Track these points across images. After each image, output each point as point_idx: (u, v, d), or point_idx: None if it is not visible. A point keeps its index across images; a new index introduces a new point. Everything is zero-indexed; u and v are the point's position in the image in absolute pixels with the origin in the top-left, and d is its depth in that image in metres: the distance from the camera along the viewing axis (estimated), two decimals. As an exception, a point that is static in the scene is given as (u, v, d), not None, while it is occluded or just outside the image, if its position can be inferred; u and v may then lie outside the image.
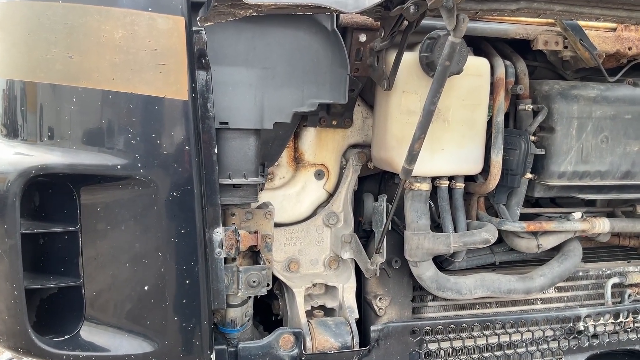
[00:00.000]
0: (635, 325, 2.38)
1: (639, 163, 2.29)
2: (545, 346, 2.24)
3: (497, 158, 2.09)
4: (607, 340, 2.34)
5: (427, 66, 1.93)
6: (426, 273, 2.11)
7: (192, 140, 1.70)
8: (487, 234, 2.10)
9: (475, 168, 2.13)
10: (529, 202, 2.56)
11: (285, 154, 2.24)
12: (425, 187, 2.10)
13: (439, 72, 1.57)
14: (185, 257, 1.72)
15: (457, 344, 2.13)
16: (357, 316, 2.14)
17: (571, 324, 2.26)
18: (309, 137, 2.22)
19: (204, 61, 1.73)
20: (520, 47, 2.26)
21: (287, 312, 2.18)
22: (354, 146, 2.29)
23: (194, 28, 1.70)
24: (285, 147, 2.17)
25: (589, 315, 2.27)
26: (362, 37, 1.99)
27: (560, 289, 2.47)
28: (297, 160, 2.25)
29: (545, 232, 2.25)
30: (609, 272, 2.54)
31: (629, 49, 2.23)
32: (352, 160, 2.22)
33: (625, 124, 2.25)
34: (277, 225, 2.20)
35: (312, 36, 1.93)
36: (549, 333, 2.24)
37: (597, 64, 2.13)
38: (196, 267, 1.74)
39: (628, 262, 2.70)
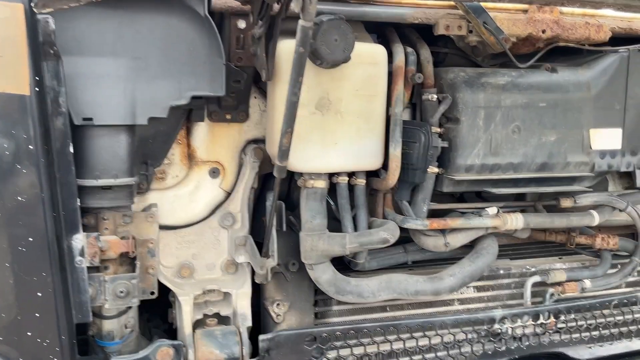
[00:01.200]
0: (559, 326, 2.28)
1: (556, 154, 2.19)
2: (456, 351, 2.14)
3: (395, 152, 1.98)
4: (528, 343, 2.25)
5: (313, 54, 1.82)
6: (323, 276, 2.01)
7: (38, 138, 1.58)
8: (386, 233, 1.99)
9: (374, 163, 2.02)
10: (454, 196, 2.46)
11: (177, 151, 2.12)
12: (321, 184, 1.99)
13: (295, 60, 1.47)
14: (36, 268, 1.61)
15: (358, 350, 2.02)
16: (250, 324, 2.03)
17: (485, 327, 2.16)
18: (201, 132, 2.11)
19: (52, 51, 1.60)
20: (431, 34, 2.14)
21: (179, 322, 2.06)
22: (254, 141, 2.17)
23: (40, 15, 1.57)
24: (171, 144, 2.05)
25: (504, 317, 2.17)
26: (241, 24, 1.87)
27: (479, 289, 2.38)
28: (191, 158, 2.13)
29: (454, 230, 2.15)
30: (533, 269, 2.44)
31: (543, 31, 2.12)
32: (249, 157, 2.11)
33: (540, 112, 2.15)
34: (168, 227, 2.09)
35: (186, 23, 1.82)
36: (461, 336, 2.14)
37: (503, 49, 2.02)
38: (49, 278, 1.62)
39: (560, 258, 2.61)
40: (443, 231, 2.15)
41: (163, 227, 2.07)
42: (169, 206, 2.09)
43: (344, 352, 2.02)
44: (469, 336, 2.16)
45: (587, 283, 2.34)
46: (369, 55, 1.96)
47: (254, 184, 2.16)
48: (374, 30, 2.18)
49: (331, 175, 2.04)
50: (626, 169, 2.32)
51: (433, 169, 2.10)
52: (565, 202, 2.33)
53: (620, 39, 2.30)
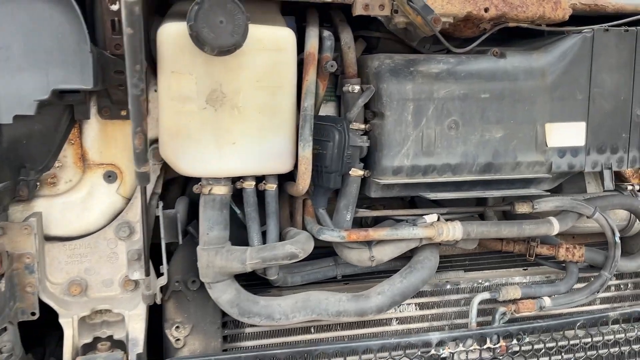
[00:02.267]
0: (514, 351, 2.01)
1: (503, 153, 1.91)
2: (385, 380, 1.89)
3: (303, 153, 1.73)
4: (474, 370, 1.98)
5: (197, 39, 1.57)
6: (223, 296, 1.79)
7: None
8: (293, 247, 1.75)
9: (283, 165, 1.78)
10: (403, 200, 2.21)
11: (70, 153, 1.90)
12: (220, 190, 1.76)
13: (125, 43, 1.22)
14: None
15: (267, 381, 1.79)
16: (141, 350, 1.81)
17: (419, 352, 1.89)
18: (91, 131, 1.89)
19: None
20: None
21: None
22: (155, 141, 1.93)
23: None
24: (55, 145, 1.84)
25: (442, 341, 1.90)
26: (114, 6, 1.63)
27: (422, 306, 2.12)
28: (84, 160, 1.91)
29: (382, 242, 1.89)
30: (487, 284, 2.16)
31: (486, 10, 1.85)
32: (149, 159, 1.87)
33: (482, 104, 1.88)
34: (58, 239, 1.88)
35: (52, 7, 1.59)
36: (391, 364, 1.89)
37: (433, 31, 1.75)
38: None
39: (524, 269, 2.33)
40: (369, 243, 1.89)
41: (52, 239, 1.87)
42: (58, 215, 1.88)
43: (250, 382, 1.78)
44: (401, 363, 1.90)
45: (547, 301, 2.06)
46: (273, 40, 1.71)
47: (157, 189, 1.93)
48: (295, 13, 1.93)
49: (236, 180, 1.80)
50: (592, 169, 2.02)
51: (356, 172, 1.85)
52: (522, 208, 2.06)
53: (585, 18, 2.00)
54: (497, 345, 1.96)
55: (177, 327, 1.88)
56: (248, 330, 1.94)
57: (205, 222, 1.77)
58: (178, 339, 1.88)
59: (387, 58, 1.84)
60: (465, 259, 2.34)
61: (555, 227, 2.02)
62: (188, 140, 1.68)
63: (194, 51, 1.62)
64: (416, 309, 2.12)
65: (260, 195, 1.86)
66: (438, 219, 1.96)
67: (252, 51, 1.68)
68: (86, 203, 1.92)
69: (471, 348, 1.92)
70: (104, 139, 1.90)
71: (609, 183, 2.06)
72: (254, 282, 1.98)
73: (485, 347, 1.94)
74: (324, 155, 1.76)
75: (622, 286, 2.35)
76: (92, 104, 1.85)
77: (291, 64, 1.74)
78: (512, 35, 2.07)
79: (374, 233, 1.84)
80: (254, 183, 1.81)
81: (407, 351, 1.85)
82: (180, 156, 1.70)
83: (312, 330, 2.01)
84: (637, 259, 2.17)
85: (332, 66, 1.76)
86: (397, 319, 2.10)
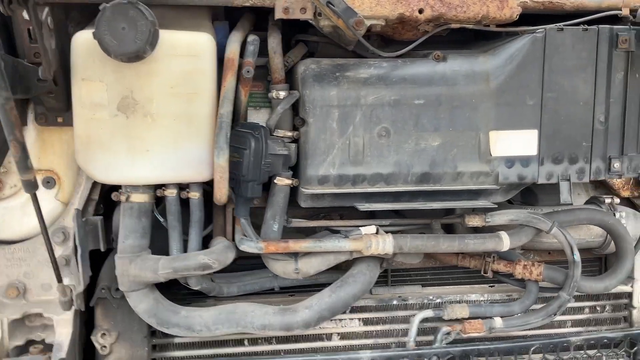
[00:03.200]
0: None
1: (442, 162, 1.82)
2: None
3: (218, 161, 1.71)
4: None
5: (101, 47, 1.58)
6: (140, 305, 1.79)
7: None
8: (207, 257, 1.74)
9: (202, 174, 1.77)
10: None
11: (15, 158, 1.96)
12: (138, 198, 1.77)
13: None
14: None
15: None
16: (64, 356, 1.84)
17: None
18: (29, 137, 1.93)
19: None
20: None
21: (2, 347, 1.92)
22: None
23: None
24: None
25: (374, 361, 1.83)
26: (26, 14, 1.66)
27: (366, 322, 2.04)
28: (25, 166, 1.96)
29: (309, 254, 1.84)
30: (439, 301, 2.06)
31: (420, 11, 1.75)
32: (84, 165, 1.91)
33: (416, 111, 1.79)
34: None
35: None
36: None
37: (354, 35, 1.68)
38: None
39: (491, 286, 2.20)
40: (296, 255, 1.84)
41: (-6, 242, 1.93)
42: (0, 219, 1.95)
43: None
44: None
45: (498, 322, 1.94)
46: (187, 46, 1.70)
47: (93, 196, 1.96)
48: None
49: (159, 188, 1.80)
50: (546, 181, 1.88)
51: (283, 180, 1.81)
52: (473, 221, 1.95)
53: (547, 17, 1.87)
54: (437, 367, 1.86)
55: (104, 334, 1.90)
56: (177, 340, 1.94)
57: (122, 230, 1.78)
58: (104, 346, 1.90)
59: (314, 63, 1.79)
60: (427, 274, 2.24)
61: (505, 242, 1.89)
62: (100, 147, 1.70)
63: (104, 58, 1.63)
64: (360, 325, 2.04)
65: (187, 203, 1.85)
66: (377, 232, 1.88)
67: (165, 57, 1.68)
68: (26, 208, 1.97)
69: (410, 369, 1.84)
70: (41, 145, 1.94)
71: (566, 196, 1.89)
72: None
73: (425, 368, 1.85)
74: (241, 163, 1.73)
75: (598, 308, 2.18)
76: (29, 111, 1.90)
77: (208, 70, 1.72)
78: (479, 38, 1.97)
79: (295, 245, 1.79)
80: (175, 191, 1.81)
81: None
82: (94, 164, 1.72)
83: (246, 342, 1.97)
84: (605, 280, 2.00)
85: (248, 72, 1.72)
86: (338, 334, 2.03)
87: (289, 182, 1.82)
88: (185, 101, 1.71)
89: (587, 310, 2.17)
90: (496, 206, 1.88)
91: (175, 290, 1.95)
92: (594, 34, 1.83)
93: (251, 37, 1.79)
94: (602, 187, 2.31)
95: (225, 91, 1.73)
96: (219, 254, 1.77)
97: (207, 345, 1.96)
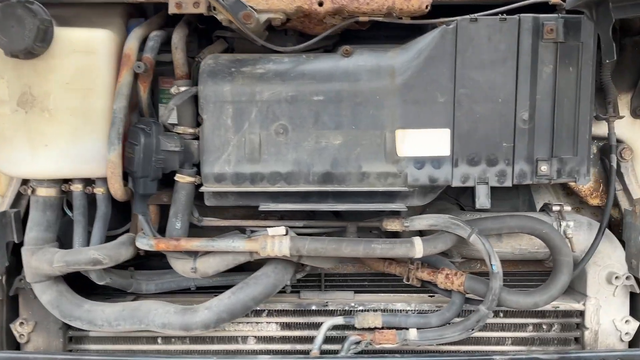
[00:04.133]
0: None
1: (344, 162, 1.75)
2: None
3: (109, 156, 1.73)
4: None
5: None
6: (43, 296, 1.86)
7: None
8: (98, 252, 1.76)
9: (99, 169, 1.80)
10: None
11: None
12: (43, 192, 1.83)
13: None
14: None
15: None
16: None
17: (246, 376, 1.79)
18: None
19: None
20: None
21: None
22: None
23: None
24: None
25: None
26: None
27: (284, 326, 1.99)
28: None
29: (207, 253, 1.82)
30: (361, 309, 1.97)
31: (320, 4, 1.70)
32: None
33: (316, 108, 1.74)
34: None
35: None
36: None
37: (244, 29, 1.66)
38: None
39: (431, 296, 2.08)
40: (195, 254, 1.83)
41: None
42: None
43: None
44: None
45: (412, 333, 1.82)
46: (84, 43, 1.75)
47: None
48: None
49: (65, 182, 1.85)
50: (462, 184, 1.76)
51: (183, 178, 1.81)
52: (391, 225, 1.86)
53: (460, 8, 1.76)
54: (342, 377, 1.78)
55: (22, 323, 1.97)
56: (93, 334, 1.97)
57: (28, 222, 1.84)
58: (22, 335, 1.96)
59: (212, 58, 1.78)
60: (365, 280, 2.16)
61: (417, 249, 1.78)
62: (4, 142, 1.77)
63: (4, 56, 1.69)
64: (278, 329, 1.99)
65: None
66: (286, 233, 1.83)
67: (62, 54, 1.73)
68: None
69: (311, 378, 1.77)
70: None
71: (483, 200, 1.75)
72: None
73: (327, 378, 1.78)
74: (133, 159, 1.74)
75: (544, 326, 1.99)
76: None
77: (103, 65, 1.76)
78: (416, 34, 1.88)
79: (186, 243, 1.77)
80: (80, 186, 1.84)
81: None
82: (0, 158, 1.78)
83: (159, 340, 1.98)
84: (535, 295, 1.82)
85: (138, 67, 1.73)
86: (255, 337, 1.99)
87: (190, 179, 1.81)
88: (81, 97, 1.75)
89: (530, 328, 1.99)
90: (405, 209, 1.78)
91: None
92: (514, 24, 1.69)
93: (153, 33, 1.81)
94: (575, 194, 2.13)
95: (120, 86, 1.75)
96: (110, 249, 1.79)
97: (121, 341, 1.98)
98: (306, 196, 1.81)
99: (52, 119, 1.75)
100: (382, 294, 2.10)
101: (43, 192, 1.84)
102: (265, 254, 1.78)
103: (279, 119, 1.74)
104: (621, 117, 1.99)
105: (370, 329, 1.87)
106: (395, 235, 1.93)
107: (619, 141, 2.04)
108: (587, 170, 1.77)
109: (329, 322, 1.88)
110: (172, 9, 1.73)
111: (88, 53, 1.75)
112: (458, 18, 1.70)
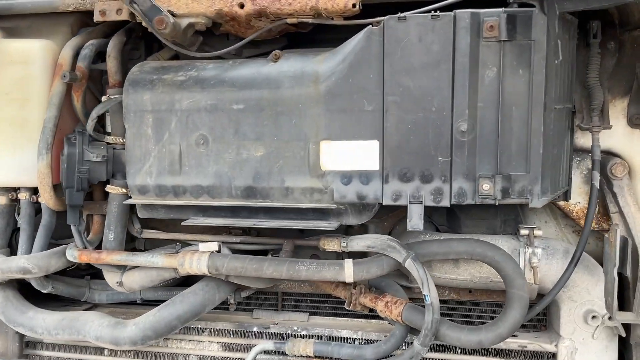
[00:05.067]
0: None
1: (267, 176, 1.64)
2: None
3: (38, 166, 1.75)
4: None
5: None
6: None
7: None
8: (27, 262, 1.78)
9: (37, 178, 1.81)
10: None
11: None
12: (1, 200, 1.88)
13: None
14: None
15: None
16: None
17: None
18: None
19: None
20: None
21: None
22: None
23: None
24: None
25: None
26: None
27: (226, 347, 1.90)
28: None
29: (134, 268, 1.78)
30: (303, 332, 1.84)
31: (241, 6, 1.61)
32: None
33: (236, 117, 1.64)
34: None
35: None
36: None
37: (157, 35, 1.61)
38: None
39: (391, 324, 1.89)
40: (124, 267, 1.79)
41: None
42: None
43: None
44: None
45: (344, 365, 1.66)
46: (20, 54, 1.80)
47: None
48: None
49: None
50: (393, 202, 1.57)
51: (113, 189, 1.78)
52: (329, 245, 1.73)
53: (402, 5, 1.58)
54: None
55: (-17, 325, 2.04)
56: (46, 340, 2.00)
57: (-21, 229, 1.90)
58: (-18, 337, 2.04)
59: (139, 66, 1.75)
60: (325, 302, 2.02)
61: (347, 272, 1.63)
62: (-47, 150, 1.84)
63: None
64: (219, 349, 1.90)
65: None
66: (219, 250, 1.75)
67: (0, 65, 1.76)
68: None
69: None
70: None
71: (416, 221, 1.54)
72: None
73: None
74: (63, 170, 1.74)
75: (510, 365, 1.75)
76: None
77: (40, 76, 1.78)
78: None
79: (107, 257, 1.74)
80: (27, 194, 1.88)
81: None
82: (-52, 165, 1.86)
83: (106, 352, 1.97)
84: (481, 332, 1.58)
85: (64, 76, 1.72)
86: (197, 356, 1.92)
87: (121, 190, 1.78)
88: (18, 106, 1.79)
89: (495, 365, 1.75)
90: (332, 228, 1.63)
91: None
92: (448, 22, 1.49)
93: (88, 42, 1.80)
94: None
95: (51, 96, 1.77)
96: (40, 259, 1.80)
97: (71, 349, 2.01)
98: (236, 211, 1.72)
99: (-8, 128, 1.80)
100: (340, 318, 1.95)
101: (-5, 200, 1.90)
102: (184, 271, 1.70)
103: (199, 129, 1.66)
104: (608, 127, 1.70)
105: (302, 357, 1.74)
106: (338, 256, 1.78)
107: (613, 154, 1.76)
108: (542, 190, 1.51)
109: (258, 347, 1.77)
110: (97, 17, 1.72)
111: (25, 63, 1.79)
112: (385, 17, 1.53)
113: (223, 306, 1.92)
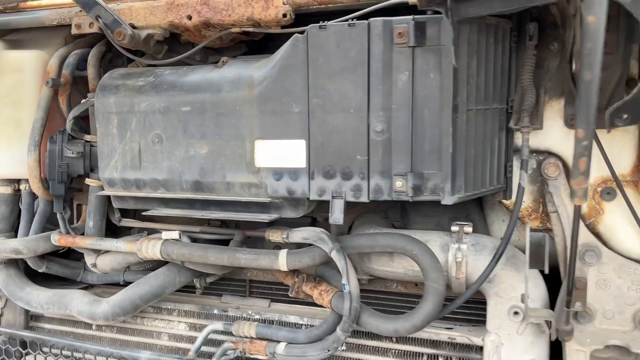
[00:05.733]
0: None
1: (211, 171, 1.81)
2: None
3: (28, 161, 2.01)
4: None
5: (-49, 66, 2.03)
6: None
7: None
8: (19, 244, 2.04)
9: (34, 172, 2.08)
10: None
11: None
12: (6, 190, 2.17)
13: None
14: None
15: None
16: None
17: (132, 367, 1.93)
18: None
19: None
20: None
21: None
22: None
23: None
24: None
25: (153, 362, 1.90)
26: None
27: (192, 327, 2.09)
28: None
29: (106, 251, 2.00)
30: (256, 317, 2.00)
31: (189, 17, 1.79)
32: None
33: (184, 118, 1.83)
34: None
35: None
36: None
37: (115, 45, 1.82)
38: None
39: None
40: (98, 251, 2.02)
41: None
42: None
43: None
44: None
45: (280, 347, 1.81)
46: (15, 62, 2.06)
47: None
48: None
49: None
50: (318, 197, 1.69)
51: (93, 182, 2.01)
52: (274, 237, 1.88)
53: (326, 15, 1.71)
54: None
55: (-1, 298, 2.35)
56: (48, 314, 2.27)
57: (-10, 215, 2.21)
58: (-1, 309, 2.34)
59: (110, 73, 1.96)
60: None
61: (281, 261, 1.77)
62: (-33, 146, 2.15)
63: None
64: (186, 329, 2.09)
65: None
66: (179, 237, 1.94)
67: (1, 72, 2.04)
68: None
69: (183, 377, 1.87)
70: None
71: (337, 215, 1.65)
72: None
73: (198, 380, 1.86)
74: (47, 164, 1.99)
75: (440, 358, 1.81)
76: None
77: (31, 82, 2.05)
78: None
79: (80, 241, 1.98)
80: (26, 185, 2.15)
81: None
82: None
83: (94, 327, 2.21)
84: (398, 321, 1.66)
85: (47, 82, 1.97)
86: (167, 334, 2.12)
87: (98, 183, 2.01)
88: (13, 108, 2.05)
89: (425, 358, 1.82)
90: (269, 220, 1.77)
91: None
92: (363, 30, 1.59)
93: (72, 52, 2.04)
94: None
95: (39, 99, 2.02)
96: (30, 242, 2.07)
97: (66, 323, 2.26)
98: (192, 203, 1.90)
99: (-6, 128, 2.09)
100: (299, 305, 2.08)
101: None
102: (142, 256, 1.91)
103: (154, 129, 1.85)
104: (539, 128, 1.73)
105: (247, 338, 1.89)
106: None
107: (552, 154, 1.78)
108: (454, 188, 1.58)
109: (210, 326, 1.94)
110: (73, 30, 1.95)
111: (19, 71, 2.05)
112: (309, 26, 1.65)
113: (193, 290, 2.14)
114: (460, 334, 1.79)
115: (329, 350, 1.73)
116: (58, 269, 2.22)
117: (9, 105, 2.07)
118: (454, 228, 1.78)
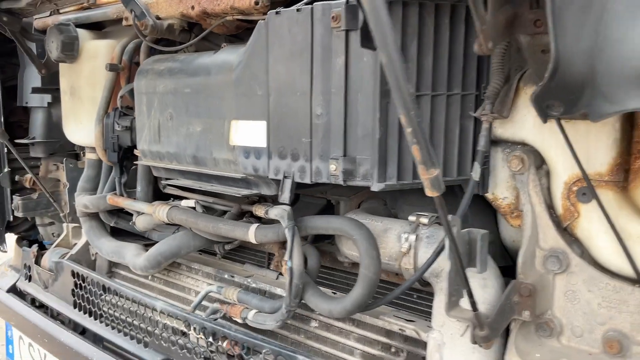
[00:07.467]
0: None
1: (203, 147, 2.01)
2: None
3: (95, 132, 2.40)
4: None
5: (49, 54, 2.52)
6: (83, 227, 2.68)
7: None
8: (87, 200, 2.45)
9: (106, 141, 2.48)
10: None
11: None
12: (88, 155, 2.63)
13: None
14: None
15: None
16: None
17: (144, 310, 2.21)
18: None
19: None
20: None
21: None
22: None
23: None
24: None
25: (164, 310, 2.14)
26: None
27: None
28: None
29: (142, 213, 2.30)
30: (250, 281, 2.13)
31: (192, 8, 2.00)
32: None
33: (186, 99, 2.05)
34: None
35: None
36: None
37: (139, 34, 2.10)
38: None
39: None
40: (138, 213, 2.34)
41: None
42: None
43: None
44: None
45: (251, 314, 1.93)
46: (94, 50, 2.46)
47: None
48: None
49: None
50: (274, 176, 1.76)
51: (138, 152, 2.33)
52: (258, 211, 2.01)
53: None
54: (199, 335, 2.03)
55: (92, 246, 2.81)
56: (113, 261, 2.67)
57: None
58: (92, 255, 2.81)
59: (148, 59, 2.23)
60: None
61: (250, 234, 1.88)
62: (65, 119, 2.63)
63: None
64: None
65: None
66: (195, 207, 2.16)
67: (84, 59, 2.48)
68: None
69: (182, 328, 2.10)
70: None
71: (286, 195, 1.67)
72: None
73: (190, 332, 2.07)
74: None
75: (392, 349, 1.74)
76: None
77: (103, 66, 2.41)
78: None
79: (122, 201, 2.30)
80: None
81: (137, 307, 2.23)
82: (66, 130, 2.65)
83: (149, 277, 2.54)
84: (332, 302, 1.63)
85: (106, 67, 2.32)
86: (195, 291, 2.36)
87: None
88: (92, 89, 2.46)
89: (379, 347, 1.76)
90: (242, 195, 1.89)
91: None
92: (307, 14, 1.62)
93: (132, 42, 2.36)
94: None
95: (105, 81, 2.38)
96: (95, 199, 2.48)
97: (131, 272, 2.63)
98: (199, 176, 2.09)
99: (82, 104, 2.51)
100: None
101: (88, 155, 2.62)
102: (156, 218, 2.16)
103: (168, 108, 2.08)
104: (502, 117, 1.56)
105: (225, 303, 2.04)
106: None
107: (526, 145, 1.59)
108: (382, 175, 1.53)
109: (207, 288, 2.13)
110: (124, 22, 2.26)
111: (95, 57, 2.44)
112: (269, 12, 1.71)
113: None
114: (412, 327, 1.71)
115: (277, 322, 1.80)
116: (125, 225, 2.60)
117: (90, 86, 2.49)
118: (411, 218, 1.70)
